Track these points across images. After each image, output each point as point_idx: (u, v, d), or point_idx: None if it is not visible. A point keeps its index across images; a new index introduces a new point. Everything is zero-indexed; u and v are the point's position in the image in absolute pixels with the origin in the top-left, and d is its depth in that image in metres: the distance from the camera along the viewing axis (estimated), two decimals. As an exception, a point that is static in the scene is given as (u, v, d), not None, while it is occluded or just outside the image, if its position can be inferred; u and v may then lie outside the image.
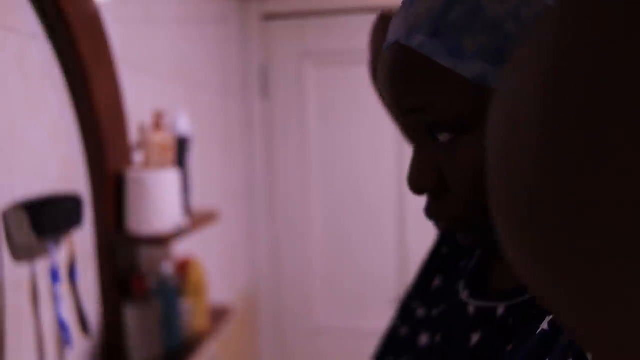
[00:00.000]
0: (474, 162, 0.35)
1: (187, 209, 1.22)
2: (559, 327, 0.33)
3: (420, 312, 0.53)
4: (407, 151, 2.04)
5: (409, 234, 2.08)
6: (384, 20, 0.58)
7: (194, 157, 1.53)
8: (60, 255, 0.92)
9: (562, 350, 0.29)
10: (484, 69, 0.32)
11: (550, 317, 0.34)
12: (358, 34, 2.04)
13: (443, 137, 0.36)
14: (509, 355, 0.37)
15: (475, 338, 0.42)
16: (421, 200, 2.06)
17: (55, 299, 0.86)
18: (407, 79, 0.35)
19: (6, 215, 0.78)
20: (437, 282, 0.54)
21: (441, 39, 0.33)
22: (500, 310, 0.41)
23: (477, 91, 0.33)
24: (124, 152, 1.06)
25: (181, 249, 1.41)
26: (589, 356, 0.24)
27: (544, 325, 0.34)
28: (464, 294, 0.46)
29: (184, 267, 1.26)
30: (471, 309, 0.44)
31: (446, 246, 0.56)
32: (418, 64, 0.34)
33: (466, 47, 0.32)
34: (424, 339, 0.50)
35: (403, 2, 0.37)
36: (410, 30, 0.35)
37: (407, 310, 0.55)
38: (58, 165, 0.92)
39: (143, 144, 1.08)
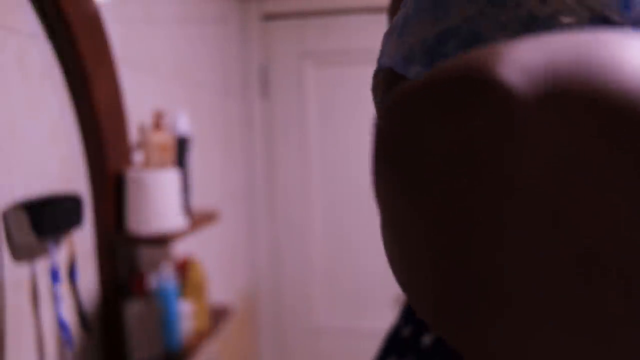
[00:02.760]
0: None
1: (187, 209, 1.22)
2: None
3: None
4: (407, 151, 2.04)
5: (409, 234, 2.08)
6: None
7: (194, 157, 1.53)
8: (60, 255, 0.92)
9: None
10: None
11: None
12: (358, 34, 2.04)
13: None
14: None
15: None
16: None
17: (55, 299, 0.86)
18: None
19: (6, 215, 0.78)
20: None
21: None
22: None
23: None
24: (124, 152, 1.06)
25: (181, 249, 1.41)
26: None
27: None
28: None
29: (184, 267, 1.26)
30: None
31: None
32: None
33: None
34: (426, 339, 0.50)
35: (394, 26, 0.38)
36: (405, 60, 0.36)
37: (411, 311, 0.55)
38: (58, 165, 0.92)
39: (143, 144, 1.08)
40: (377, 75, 0.40)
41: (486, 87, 0.19)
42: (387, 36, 0.39)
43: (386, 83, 0.38)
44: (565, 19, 0.32)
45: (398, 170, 0.21)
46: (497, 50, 0.20)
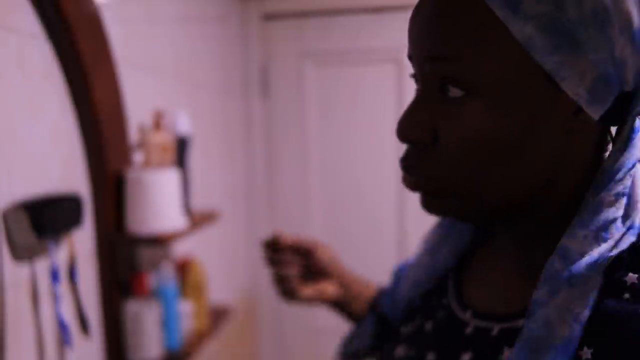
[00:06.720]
0: (475, 127, 0.35)
1: (187, 209, 1.22)
2: None
3: (404, 329, 0.55)
4: (407, 151, 2.04)
5: (409, 233, 2.08)
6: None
7: (194, 157, 1.53)
8: (60, 255, 0.92)
9: None
10: (533, 35, 0.32)
11: None
12: (358, 34, 2.04)
13: (454, 93, 0.36)
14: None
15: (465, 358, 0.42)
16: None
17: (55, 298, 0.86)
18: (445, 25, 0.35)
19: (6, 215, 0.78)
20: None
21: None
22: (495, 331, 0.41)
23: (509, 56, 0.33)
24: (124, 152, 1.06)
25: (181, 249, 1.41)
26: None
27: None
28: (466, 315, 0.45)
29: (184, 267, 1.26)
30: (469, 329, 0.44)
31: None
32: (462, 12, 0.34)
33: (525, 8, 0.32)
34: (400, 351, 0.51)
35: None
36: None
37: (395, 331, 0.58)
38: (58, 165, 0.92)
39: (143, 144, 1.08)
40: None
41: None
42: None
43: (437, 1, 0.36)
44: None
45: None
46: None
